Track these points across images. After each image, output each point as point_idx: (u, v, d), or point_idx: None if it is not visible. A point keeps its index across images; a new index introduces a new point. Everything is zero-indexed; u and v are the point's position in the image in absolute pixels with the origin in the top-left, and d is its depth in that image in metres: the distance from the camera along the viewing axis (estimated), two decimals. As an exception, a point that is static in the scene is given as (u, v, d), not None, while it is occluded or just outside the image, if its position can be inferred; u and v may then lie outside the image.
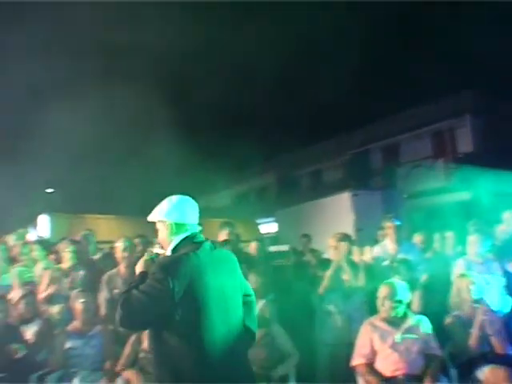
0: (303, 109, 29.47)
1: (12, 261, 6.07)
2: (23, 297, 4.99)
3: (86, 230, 6.49)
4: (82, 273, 5.33)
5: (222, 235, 5.91)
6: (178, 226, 2.97)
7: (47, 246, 6.15)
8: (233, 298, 2.96)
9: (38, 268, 5.78)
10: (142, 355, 4.40)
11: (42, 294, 5.33)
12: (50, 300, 5.25)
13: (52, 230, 18.62)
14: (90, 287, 5.08)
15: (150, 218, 3.04)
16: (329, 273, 5.13)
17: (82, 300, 4.72)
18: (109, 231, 10.39)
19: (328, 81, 17.52)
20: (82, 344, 4.61)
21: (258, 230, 14.75)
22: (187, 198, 3.12)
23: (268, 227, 16.32)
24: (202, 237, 3.01)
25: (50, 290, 5.33)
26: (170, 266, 2.78)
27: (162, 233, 2.99)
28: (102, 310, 5.03)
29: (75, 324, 4.74)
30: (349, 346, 4.48)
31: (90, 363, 4.59)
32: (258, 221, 15.82)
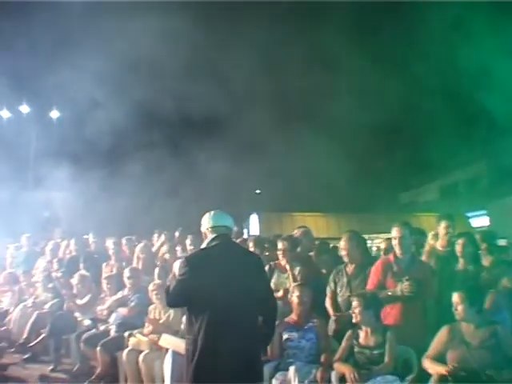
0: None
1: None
2: None
3: (303, 226, 6.73)
4: (299, 269, 5.54)
5: (440, 229, 5.60)
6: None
7: (261, 242, 6.53)
8: (238, 296, 3.52)
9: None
10: (357, 350, 4.44)
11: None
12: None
13: (261, 227, 19.93)
14: (306, 282, 5.24)
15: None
16: None
17: (298, 294, 4.94)
18: (316, 228, 10.70)
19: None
20: (298, 336, 4.83)
21: (469, 224, 13.84)
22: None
23: (479, 221, 15.29)
24: (226, 239, 3.80)
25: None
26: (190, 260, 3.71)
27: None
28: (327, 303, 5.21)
29: (292, 316, 4.99)
30: None
31: (305, 355, 4.77)
32: (468, 214, 14.88)
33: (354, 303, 4.45)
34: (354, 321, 4.47)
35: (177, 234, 8.29)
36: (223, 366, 3.41)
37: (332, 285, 5.26)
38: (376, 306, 4.47)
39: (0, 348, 7.24)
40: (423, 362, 4.16)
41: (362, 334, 4.48)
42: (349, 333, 4.55)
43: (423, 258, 5.46)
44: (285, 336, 4.87)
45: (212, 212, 3.94)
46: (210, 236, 3.84)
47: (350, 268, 5.24)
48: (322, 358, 4.66)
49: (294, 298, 4.96)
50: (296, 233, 6.51)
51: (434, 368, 4.06)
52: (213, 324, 3.48)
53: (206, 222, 3.90)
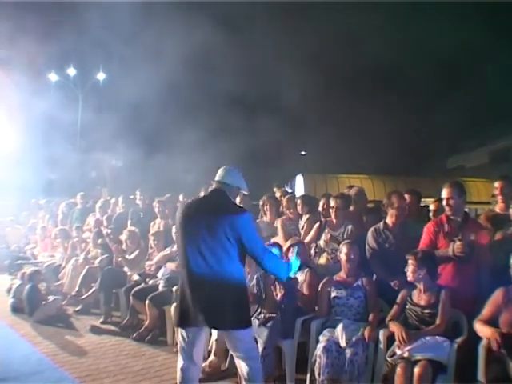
0: None
1: (279, 213, 6.63)
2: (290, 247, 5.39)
3: (357, 186, 6.65)
4: (350, 227, 5.47)
5: (496, 190, 5.36)
6: None
7: (310, 201, 6.46)
8: (208, 243, 3.70)
9: (303, 220, 6.24)
10: (408, 307, 4.38)
11: (310, 243, 5.72)
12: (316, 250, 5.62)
13: (306, 188, 19.84)
14: (356, 241, 5.16)
15: None
16: None
17: (346, 251, 4.89)
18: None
19: None
20: (346, 294, 4.79)
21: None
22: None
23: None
24: (216, 192, 4.01)
25: (312, 240, 5.71)
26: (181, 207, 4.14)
27: None
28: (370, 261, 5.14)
29: (341, 274, 4.95)
30: None
31: (353, 313, 4.74)
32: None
33: (409, 261, 4.35)
34: (408, 279, 4.37)
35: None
36: (195, 311, 3.73)
37: (374, 245, 5.17)
38: (431, 264, 4.35)
39: (55, 300, 7.49)
40: (474, 325, 4.05)
41: (415, 293, 4.40)
42: (403, 292, 4.47)
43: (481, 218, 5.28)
44: (333, 294, 4.85)
45: (221, 168, 4.13)
46: (210, 188, 4.21)
47: (393, 226, 5.12)
48: (370, 317, 4.62)
49: (342, 255, 4.92)
50: (350, 191, 6.42)
51: (485, 331, 3.94)
52: (187, 269, 3.80)
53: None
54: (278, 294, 5.00)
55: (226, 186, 4.01)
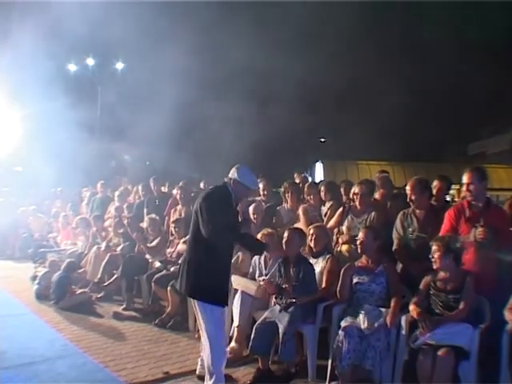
0: None
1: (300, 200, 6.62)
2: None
3: (383, 171, 6.60)
4: (373, 214, 5.43)
5: None
6: None
7: (333, 188, 6.43)
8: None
9: (326, 207, 6.22)
10: (432, 292, 4.34)
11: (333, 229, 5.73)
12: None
13: (326, 175, 19.79)
14: (379, 226, 5.12)
15: None
16: None
17: (361, 236, 4.83)
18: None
19: None
20: (368, 280, 4.75)
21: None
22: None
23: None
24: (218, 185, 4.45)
25: (335, 226, 5.72)
26: None
27: None
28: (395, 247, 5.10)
29: (363, 260, 4.91)
30: None
31: (375, 299, 4.70)
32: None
33: (434, 248, 4.30)
34: (434, 266, 4.33)
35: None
36: (180, 284, 4.34)
37: (400, 229, 5.12)
38: (457, 250, 4.30)
39: (83, 293, 7.60)
40: (506, 314, 4.00)
41: (439, 279, 4.34)
42: (427, 278, 4.43)
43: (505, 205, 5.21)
44: (355, 279, 4.81)
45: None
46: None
47: (419, 213, 5.07)
48: (392, 302, 4.57)
49: (359, 240, 4.87)
50: (375, 178, 6.38)
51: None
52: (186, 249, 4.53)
53: None
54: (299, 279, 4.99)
55: (231, 180, 4.37)
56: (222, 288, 4.25)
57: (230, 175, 4.39)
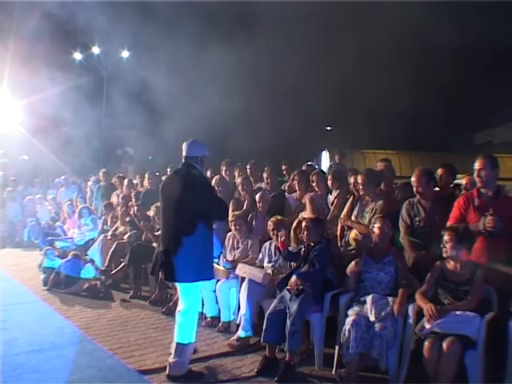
0: None
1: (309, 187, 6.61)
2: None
3: (386, 160, 6.58)
4: (380, 202, 5.41)
5: None
6: None
7: (340, 176, 6.41)
8: (171, 206, 4.49)
9: (332, 195, 6.20)
10: (441, 283, 4.32)
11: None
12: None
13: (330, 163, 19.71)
14: (387, 215, 5.09)
15: None
16: None
17: (379, 225, 4.81)
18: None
19: None
20: (376, 269, 4.75)
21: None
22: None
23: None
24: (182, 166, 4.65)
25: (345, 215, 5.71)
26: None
27: None
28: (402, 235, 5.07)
29: (372, 248, 4.90)
30: None
31: (382, 288, 4.69)
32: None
33: (445, 237, 4.27)
34: (444, 255, 4.31)
35: (248, 166, 8.25)
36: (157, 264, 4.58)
37: (407, 219, 5.11)
38: (469, 240, 4.29)
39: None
40: None
41: (449, 269, 4.33)
42: (436, 266, 4.41)
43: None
44: (363, 268, 4.81)
45: (185, 142, 4.69)
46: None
47: (425, 202, 5.05)
48: (400, 291, 4.57)
49: (376, 229, 4.83)
50: (378, 166, 6.35)
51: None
52: (161, 231, 4.73)
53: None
54: (310, 267, 4.99)
55: (192, 158, 4.60)
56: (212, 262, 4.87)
57: (193, 153, 4.61)
